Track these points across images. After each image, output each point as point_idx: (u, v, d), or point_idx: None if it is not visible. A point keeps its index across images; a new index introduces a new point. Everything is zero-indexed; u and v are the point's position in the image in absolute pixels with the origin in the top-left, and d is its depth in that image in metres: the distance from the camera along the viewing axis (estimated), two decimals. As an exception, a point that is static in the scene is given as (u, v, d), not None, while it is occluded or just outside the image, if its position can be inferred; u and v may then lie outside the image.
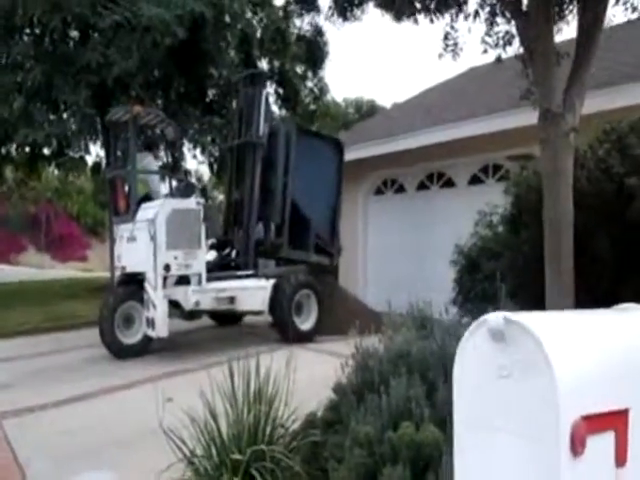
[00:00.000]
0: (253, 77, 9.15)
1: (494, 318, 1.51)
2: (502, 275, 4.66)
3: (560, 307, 3.86)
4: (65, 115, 13.13)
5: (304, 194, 9.00)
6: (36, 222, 27.70)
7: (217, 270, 8.42)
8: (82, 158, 14.65)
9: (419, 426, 3.02)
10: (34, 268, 24.65)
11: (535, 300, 4.37)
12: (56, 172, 20.68)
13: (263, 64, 16.22)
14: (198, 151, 15.82)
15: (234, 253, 9.14)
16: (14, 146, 13.79)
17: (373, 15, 5.87)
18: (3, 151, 14.08)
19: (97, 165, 16.14)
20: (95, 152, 14.98)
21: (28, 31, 12.89)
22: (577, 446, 1.34)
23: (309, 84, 17.15)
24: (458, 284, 6.05)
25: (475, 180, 10.05)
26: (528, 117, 7.71)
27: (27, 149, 13.67)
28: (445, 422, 3.15)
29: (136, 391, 6.08)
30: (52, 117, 13.02)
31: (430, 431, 2.95)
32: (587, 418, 1.39)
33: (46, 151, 14.04)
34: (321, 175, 9.37)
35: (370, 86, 65.07)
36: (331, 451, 3.38)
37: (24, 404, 5.54)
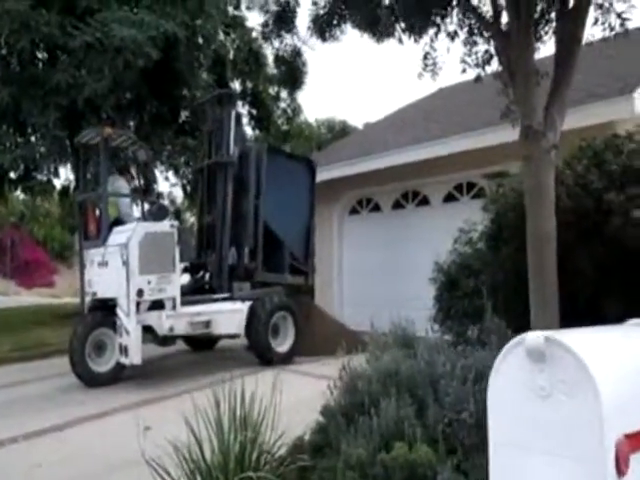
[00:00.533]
0: (221, 97, 9.07)
1: (533, 338, 1.47)
2: (482, 292, 4.68)
3: (544, 321, 3.87)
4: (33, 138, 12.91)
5: (276, 215, 8.94)
6: (1, 248, 27.01)
7: (191, 294, 8.27)
8: (50, 181, 14.40)
9: (412, 446, 2.97)
10: (-1, 295, 24.00)
11: (517, 315, 4.38)
12: (22, 196, 20.30)
13: (236, 85, 16.26)
14: (171, 173, 15.73)
15: (207, 276, 9.01)
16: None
17: (349, 35, 5.92)
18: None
19: (65, 188, 15.89)
20: (64, 175, 14.74)
21: (-5, 52, 12.68)
22: (622, 465, 1.30)
23: (282, 105, 17.23)
24: (438, 301, 6.03)
25: (450, 198, 10.14)
26: (501, 136, 7.91)
27: (-7, 173, 13.35)
28: (437, 441, 3.11)
29: (112, 420, 5.88)
30: (19, 140, 12.80)
31: (423, 451, 2.91)
32: (629, 436, 1.35)
33: (12, 175, 13.75)
34: (293, 195, 9.32)
35: (341, 106, 65.64)
36: (321, 475, 3.30)
37: (-6, 437, 5.31)
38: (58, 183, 15.14)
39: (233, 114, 8.79)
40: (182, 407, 3.67)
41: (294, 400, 4.15)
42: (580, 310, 4.21)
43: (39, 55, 13.01)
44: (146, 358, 7.60)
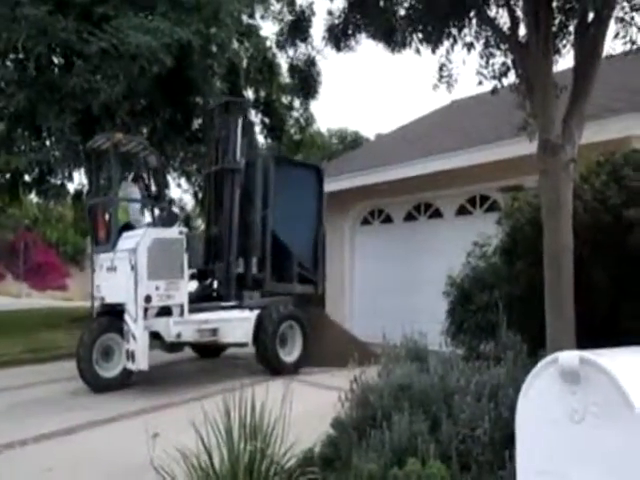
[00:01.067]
0: (228, 105, 9.03)
1: (567, 358, 1.40)
2: (497, 306, 4.63)
3: (561, 337, 3.81)
4: (48, 142, 12.99)
5: (285, 224, 8.90)
6: (14, 250, 27.19)
7: (198, 301, 8.23)
8: (64, 185, 14.47)
9: (425, 462, 2.92)
10: (12, 297, 24.13)
11: (531, 331, 4.32)
12: (36, 199, 20.42)
13: (249, 94, 16.31)
14: (183, 180, 15.77)
15: (216, 283, 8.96)
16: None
17: (364, 45, 5.90)
18: (-17, 178, 13.84)
19: (79, 193, 15.96)
20: (78, 180, 14.82)
21: (12, 56, 12.78)
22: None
23: (295, 114, 17.26)
24: (451, 315, 5.98)
25: (463, 211, 10.08)
26: (516, 149, 7.89)
27: (8, 175, 13.45)
28: (450, 458, 3.06)
29: (121, 426, 5.87)
30: (35, 144, 12.88)
31: (437, 467, 2.86)
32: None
33: (27, 178, 13.85)
34: (301, 203, 9.26)
35: (353, 117, 65.71)
36: (331, 489, 3.25)
37: (3, 440, 5.29)
38: (72, 187, 15.23)
39: (240, 122, 8.75)
40: (191, 414, 3.64)
41: (304, 411, 4.10)
42: (597, 326, 4.15)
43: (55, 60, 13.12)
44: (155, 364, 7.57)
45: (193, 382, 7.86)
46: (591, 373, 1.37)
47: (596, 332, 4.07)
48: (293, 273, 9.01)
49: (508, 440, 2.87)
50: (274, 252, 8.77)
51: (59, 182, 13.96)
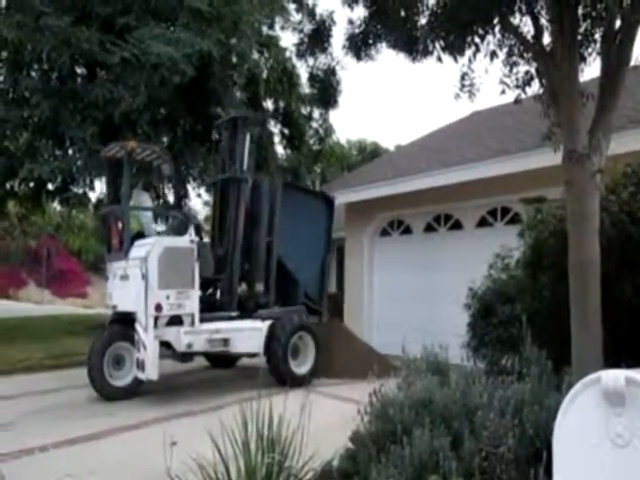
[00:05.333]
0: (235, 121, 8.85)
1: (611, 378, 1.30)
2: (519, 320, 4.53)
3: (587, 354, 3.71)
4: (70, 151, 13.12)
5: (292, 252, 8.81)
6: (37, 257, 27.51)
7: (209, 310, 8.17)
8: (85, 194, 14.61)
9: (446, 479, 2.84)
10: (34, 303, 24.39)
11: (554, 345, 4.22)
12: (58, 208, 20.66)
13: (269, 104, 16.37)
14: (202, 190, 15.83)
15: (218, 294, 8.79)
16: (18, 181, 13.75)
17: (383, 56, 5.86)
18: (7, 186, 14.02)
19: (100, 201, 16.11)
20: (99, 188, 14.94)
21: (36, 66, 12.97)
22: None
23: (314, 125, 17.27)
24: (472, 328, 5.88)
25: (483, 223, 9.96)
26: (538, 160, 7.80)
27: (31, 184, 13.61)
28: (473, 475, 2.98)
29: (140, 433, 5.88)
30: (57, 152, 13.03)
31: (459, 486, 2.77)
32: None
33: (50, 186, 14.00)
34: (309, 231, 9.17)
35: (373, 128, 65.82)
36: (349, 505, 3.18)
37: (23, 445, 5.31)
38: (93, 196, 15.36)
39: (248, 137, 8.65)
40: (209, 424, 3.62)
41: (322, 423, 4.04)
42: (624, 340, 4.03)
43: (78, 70, 13.29)
44: (172, 373, 7.53)
45: (211, 391, 7.83)
46: (639, 394, 1.26)
47: (623, 348, 3.96)
48: (298, 302, 8.91)
49: (533, 458, 2.79)
50: (280, 279, 8.68)
51: (81, 191, 14.10)
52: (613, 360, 3.39)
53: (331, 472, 3.45)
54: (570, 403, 1.45)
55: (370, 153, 27.23)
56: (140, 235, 8.12)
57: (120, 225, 8.17)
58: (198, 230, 8.50)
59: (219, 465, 3.33)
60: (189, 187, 15.82)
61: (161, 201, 9.30)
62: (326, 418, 4.81)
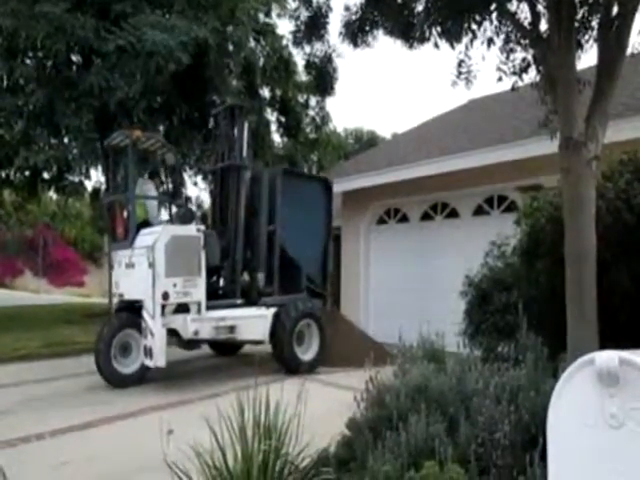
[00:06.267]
0: (233, 109, 8.83)
1: (605, 358, 1.30)
2: (515, 307, 4.54)
3: (582, 338, 3.72)
4: (66, 139, 13.07)
5: (293, 239, 8.79)
6: (33, 246, 27.48)
7: (214, 298, 8.20)
8: (82, 183, 14.58)
9: (442, 465, 2.85)
10: (30, 292, 24.40)
11: (550, 332, 4.23)
12: (54, 196, 20.61)
13: (265, 92, 16.29)
14: (199, 178, 15.78)
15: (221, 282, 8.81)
16: (13, 169, 13.70)
17: (379, 44, 5.83)
18: (3, 174, 13.98)
19: (96, 190, 16.07)
20: (95, 177, 14.94)
21: (31, 54, 12.87)
22: None
23: (311, 113, 17.20)
24: (468, 315, 5.89)
25: (480, 211, 9.97)
26: (534, 148, 7.79)
27: (27, 172, 13.57)
28: (469, 461, 2.99)
29: (137, 421, 5.89)
30: (53, 141, 12.97)
31: (455, 471, 2.79)
32: None
33: (46, 175, 13.96)
34: (310, 217, 9.16)
35: (369, 117, 65.63)
36: (346, 491, 3.20)
37: (20, 433, 5.34)
38: (89, 185, 15.34)
39: (246, 125, 8.61)
40: (206, 411, 3.63)
41: (319, 411, 4.05)
42: (620, 328, 4.05)
43: (74, 58, 13.19)
44: (173, 361, 7.55)
45: (210, 379, 7.85)
46: (631, 375, 1.26)
47: (618, 335, 3.97)
48: (301, 287, 8.91)
49: (529, 444, 2.81)
50: (283, 266, 8.67)
51: (77, 179, 14.08)
52: (608, 347, 3.41)
53: (328, 459, 3.46)
54: (564, 384, 1.45)
55: (367, 141, 27.16)
56: (146, 223, 8.15)
57: (125, 214, 8.18)
58: (204, 219, 8.49)
59: (216, 452, 3.34)
60: (185, 176, 15.80)
61: (167, 188, 9.27)
62: (323, 405, 4.82)
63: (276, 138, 17.27)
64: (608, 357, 1.31)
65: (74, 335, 11.02)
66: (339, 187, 11.62)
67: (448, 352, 4.53)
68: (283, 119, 16.78)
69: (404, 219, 11.55)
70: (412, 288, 10.59)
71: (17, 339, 10.45)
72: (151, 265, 7.22)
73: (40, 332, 11.31)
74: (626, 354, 1.29)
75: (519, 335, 3.95)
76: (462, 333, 5.69)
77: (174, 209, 8.55)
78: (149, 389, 7.35)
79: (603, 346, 3.71)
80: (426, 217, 11.03)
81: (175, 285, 7.32)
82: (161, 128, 14.05)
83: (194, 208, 9.64)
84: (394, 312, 10.36)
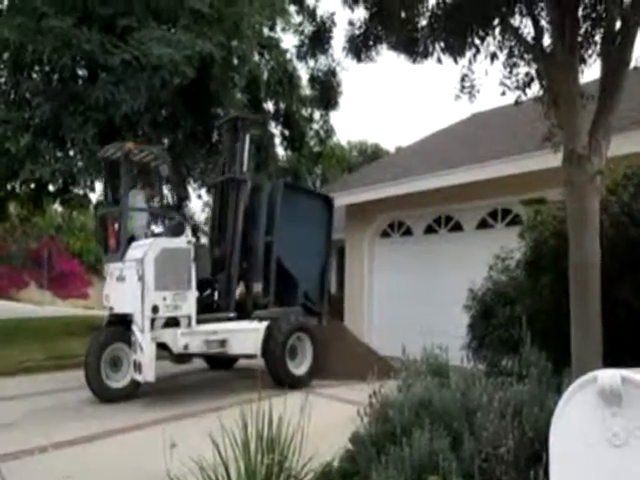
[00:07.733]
0: (236, 122, 8.88)
1: (607, 377, 1.28)
2: (519, 321, 4.52)
3: (587, 355, 3.70)
4: (71, 152, 13.13)
5: (291, 252, 8.79)
6: (38, 259, 27.54)
7: (207, 311, 8.12)
8: (86, 195, 14.60)
9: (446, 481, 2.84)
10: (35, 304, 24.42)
11: (555, 347, 4.21)
12: (59, 209, 20.68)
13: (269, 105, 16.37)
14: (203, 191, 15.83)
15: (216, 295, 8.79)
16: (19, 182, 13.75)
17: (384, 58, 5.86)
18: (8, 187, 14.03)
19: (101, 202, 16.09)
20: (100, 189, 14.96)
21: (37, 68, 12.97)
22: None
23: (315, 126, 17.27)
24: (472, 329, 5.87)
25: (484, 224, 9.96)
26: (538, 162, 7.79)
27: (32, 185, 13.62)
28: (473, 476, 2.97)
29: (140, 434, 5.88)
30: (59, 154, 13.02)
31: (459, 487, 2.77)
32: None
33: (51, 187, 14.00)
34: (309, 232, 9.16)
35: (373, 130, 65.81)
36: (349, 506, 3.18)
37: (23, 446, 5.33)
38: (94, 197, 15.36)
39: (248, 138, 8.62)
40: (208, 425, 3.62)
41: (322, 425, 4.04)
42: (624, 344, 4.03)
43: (79, 72, 13.28)
44: (173, 374, 7.52)
45: (210, 393, 7.83)
46: (636, 394, 1.24)
47: (623, 351, 3.95)
48: (297, 303, 8.88)
49: (533, 460, 2.79)
50: (280, 281, 8.66)
51: (82, 192, 14.11)
52: (613, 361, 3.39)
53: (331, 473, 3.45)
54: (566, 403, 1.43)
55: (371, 154, 27.19)
56: (131, 237, 8.08)
57: (117, 226, 8.16)
58: (195, 231, 8.46)
59: (219, 466, 3.33)
60: (189, 188, 15.85)
61: (164, 202, 9.24)
62: (325, 419, 4.80)
63: (280, 151, 17.34)
64: (611, 375, 1.29)
65: (78, 348, 10.95)
66: (343, 200, 11.66)
67: (452, 366, 4.51)
68: (287, 132, 16.84)
69: (408, 232, 11.55)
70: (416, 301, 10.56)
71: (21, 351, 10.45)
72: (140, 278, 7.16)
73: (44, 344, 11.31)
74: (629, 372, 1.27)
75: (523, 349, 3.93)
76: (466, 347, 5.67)
77: (166, 221, 8.52)
78: (151, 402, 7.35)
79: (607, 361, 3.71)
80: (430, 230, 11.03)
81: (165, 299, 7.27)
82: (165, 141, 14.11)
83: (185, 220, 9.59)
84: (398, 325, 10.32)
